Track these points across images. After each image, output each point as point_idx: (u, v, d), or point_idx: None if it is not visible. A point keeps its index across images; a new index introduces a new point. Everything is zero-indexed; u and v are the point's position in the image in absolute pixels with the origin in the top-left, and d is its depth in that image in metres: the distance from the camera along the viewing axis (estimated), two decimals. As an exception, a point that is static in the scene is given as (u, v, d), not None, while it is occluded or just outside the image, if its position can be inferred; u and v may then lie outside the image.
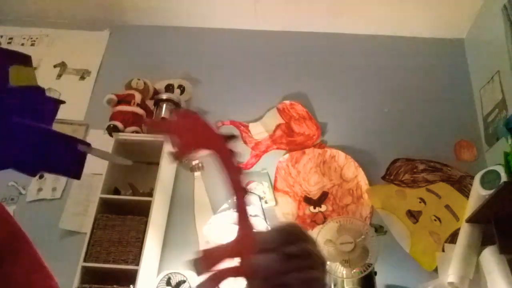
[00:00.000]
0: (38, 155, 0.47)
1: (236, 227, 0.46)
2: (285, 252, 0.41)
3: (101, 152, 0.55)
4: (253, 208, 2.02)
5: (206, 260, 0.44)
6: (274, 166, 2.46)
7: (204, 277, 0.44)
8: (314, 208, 2.34)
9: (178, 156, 0.48)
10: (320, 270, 0.43)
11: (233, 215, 0.46)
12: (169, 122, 0.53)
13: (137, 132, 2.35)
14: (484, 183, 2.06)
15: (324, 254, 0.46)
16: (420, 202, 2.33)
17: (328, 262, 1.86)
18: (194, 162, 2.46)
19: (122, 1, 2.91)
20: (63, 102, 0.54)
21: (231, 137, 0.49)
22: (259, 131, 2.58)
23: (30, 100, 0.49)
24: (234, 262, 0.45)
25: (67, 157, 0.49)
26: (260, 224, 1.93)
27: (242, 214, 0.45)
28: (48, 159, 0.48)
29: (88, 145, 0.51)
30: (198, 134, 0.48)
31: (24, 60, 0.49)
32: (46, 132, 0.48)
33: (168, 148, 2.25)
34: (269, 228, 0.45)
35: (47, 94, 0.51)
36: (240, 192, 0.46)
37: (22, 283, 0.51)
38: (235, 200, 0.46)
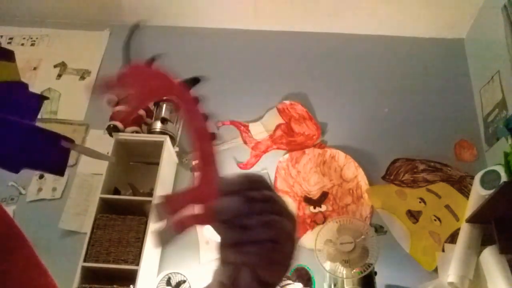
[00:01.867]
0: (20, 151, 0.47)
1: (201, 170, 0.44)
2: (247, 195, 0.40)
3: (84, 149, 0.54)
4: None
5: (168, 205, 0.42)
6: (274, 166, 2.46)
7: (164, 223, 0.43)
8: (314, 208, 2.34)
9: (125, 117, 0.47)
10: (285, 217, 0.42)
11: (197, 161, 0.44)
12: (120, 76, 0.49)
13: (137, 132, 2.35)
14: (484, 183, 2.06)
15: (291, 210, 0.44)
16: (420, 202, 2.33)
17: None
18: (194, 162, 2.46)
19: (122, 1, 2.91)
20: (46, 98, 0.54)
21: (194, 80, 0.47)
22: (259, 131, 2.58)
23: (12, 96, 0.49)
24: (197, 208, 0.43)
25: (51, 153, 0.48)
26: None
27: (208, 159, 0.44)
28: (31, 155, 0.48)
29: (72, 141, 0.50)
30: (148, 86, 0.46)
31: (6, 55, 0.49)
32: (29, 128, 0.48)
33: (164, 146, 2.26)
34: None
35: (30, 89, 0.51)
36: (205, 138, 0.44)
37: (19, 281, 0.51)
38: (200, 146, 0.44)
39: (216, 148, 0.45)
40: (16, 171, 0.47)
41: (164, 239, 0.42)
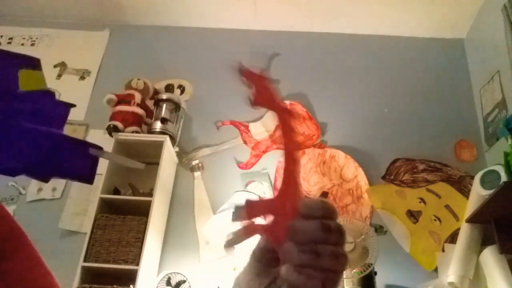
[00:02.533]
0: (50, 160, 0.47)
1: (283, 186, 0.47)
2: (326, 223, 0.42)
3: (113, 156, 0.55)
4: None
5: (247, 209, 0.45)
6: (274, 166, 2.46)
7: (239, 225, 0.45)
8: (314, 208, 2.34)
9: (256, 102, 0.50)
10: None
11: (282, 175, 0.47)
12: (260, 75, 0.53)
13: (137, 132, 2.35)
14: (484, 183, 2.06)
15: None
16: (420, 202, 2.33)
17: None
18: (194, 162, 2.46)
19: (122, 1, 2.91)
20: (73, 105, 0.53)
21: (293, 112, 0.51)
22: (259, 131, 2.58)
23: (40, 105, 0.49)
24: (273, 219, 0.46)
25: (79, 162, 0.48)
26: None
27: (293, 178, 0.46)
28: (60, 164, 0.48)
29: (100, 148, 0.50)
30: (272, 94, 0.50)
31: (33, 63, 0.49)
32: (57, 137, 0.48)
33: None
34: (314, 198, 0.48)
35: (57, 98, 0.51)
36: (297, 160, 0.47)
37: (22, 280, 0.51)
38: (290, 165, 0.47)
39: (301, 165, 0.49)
40: (46, 180, 0.47)
41: (234, 240, 0.45)
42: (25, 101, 0.47)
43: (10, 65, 0.47)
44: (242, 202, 0.45)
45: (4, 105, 0.45)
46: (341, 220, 1.94)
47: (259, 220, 0.46)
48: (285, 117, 0.50)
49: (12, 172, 0.46)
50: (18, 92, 0.47)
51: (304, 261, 0.41)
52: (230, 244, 0.45)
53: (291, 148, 0.48)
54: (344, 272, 0.45)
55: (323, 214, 0.43)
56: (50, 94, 0.50)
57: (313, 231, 0.42)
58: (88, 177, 0.49)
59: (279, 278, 0.43)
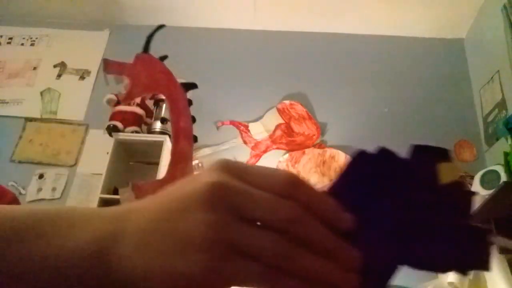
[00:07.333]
0: (457, 251, 0.47)
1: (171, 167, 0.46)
2: None
3: (506, 241, 0.53)
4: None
5: (135, 191, 0.45)
6: (274, 166, 2.46)
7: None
8: (314, 208, 2.34)
9: (125, 98, 0.48)
10: None
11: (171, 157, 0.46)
12: (127, 64, 0.52)
13: (137, 132, 2.35)
14: (484, 183, 2.06)
15: None
16: (420, 202, 2.33)
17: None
18: (194, 162, 2.46)
19: (122, 1, 2.91)
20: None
21: (191, 85, 0.49)
22: (259, 131, 2.58)
23: (449, 196, 0.49)
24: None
25: (477, 250, 0.49)
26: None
27: (183, 157, 0.45)
28: (464, 255, 0.48)
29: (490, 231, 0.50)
30: (153, 78, 0.48)
31: (447, 154, 0.49)
32: (464, 227, 0.48)
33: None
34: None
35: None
36: (187, 137, 0.46)
37: None
38: (179, 143, 0.46)
39: (193, 149, 0.47)
40: (444, 271, 0.47)
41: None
42: (443, 194, 0.47)
43: (428, 158, 0.47)
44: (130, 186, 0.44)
45: (426, 199, 0.45)
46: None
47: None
48: (180, 94, 0.48)
49: (442, 269, 0.46)
50: (434, 186, 0.47)
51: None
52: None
53: (187, 127, 0.46)
54: None
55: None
56: (459, 184, 0.50)
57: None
58: (486, 264, 0.49)
59: None
